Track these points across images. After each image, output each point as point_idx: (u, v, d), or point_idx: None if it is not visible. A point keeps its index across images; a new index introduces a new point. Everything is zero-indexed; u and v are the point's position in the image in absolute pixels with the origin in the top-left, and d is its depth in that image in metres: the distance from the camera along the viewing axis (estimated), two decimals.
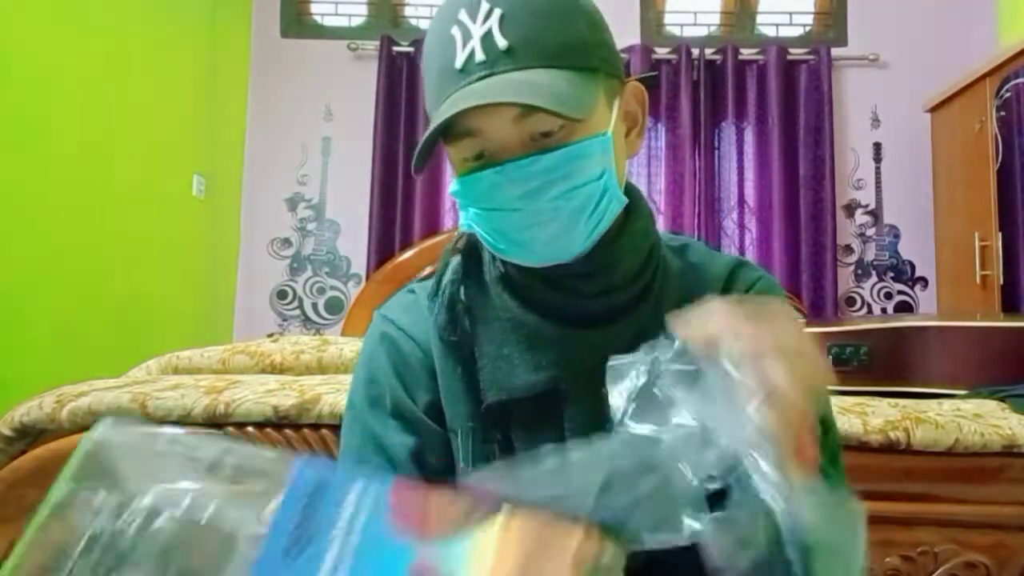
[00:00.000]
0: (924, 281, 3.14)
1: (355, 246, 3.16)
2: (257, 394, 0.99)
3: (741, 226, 3.14)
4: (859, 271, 3.17)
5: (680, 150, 3.09)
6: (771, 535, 0.37)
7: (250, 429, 0.97)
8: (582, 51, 0.59)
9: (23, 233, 1.93)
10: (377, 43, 3.14)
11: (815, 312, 2.99)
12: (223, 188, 3.03)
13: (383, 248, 3.06)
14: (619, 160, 0.62)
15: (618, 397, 0.43)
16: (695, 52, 3.12)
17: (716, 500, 0.40)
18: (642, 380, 0.42)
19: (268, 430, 0.97)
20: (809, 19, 3.32)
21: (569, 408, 0.63)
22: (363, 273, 3.09)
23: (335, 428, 0.96)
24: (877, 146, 3.19)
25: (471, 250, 0.69)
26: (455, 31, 0.58)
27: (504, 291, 0.65)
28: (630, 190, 0.66)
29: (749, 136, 3.15)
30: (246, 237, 3.21)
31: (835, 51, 3.15)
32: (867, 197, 3.19)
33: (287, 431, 0.97)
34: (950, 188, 2.88)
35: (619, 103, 0.63)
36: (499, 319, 0.65)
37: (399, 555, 0.36)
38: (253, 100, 3.24)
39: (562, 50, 0.58)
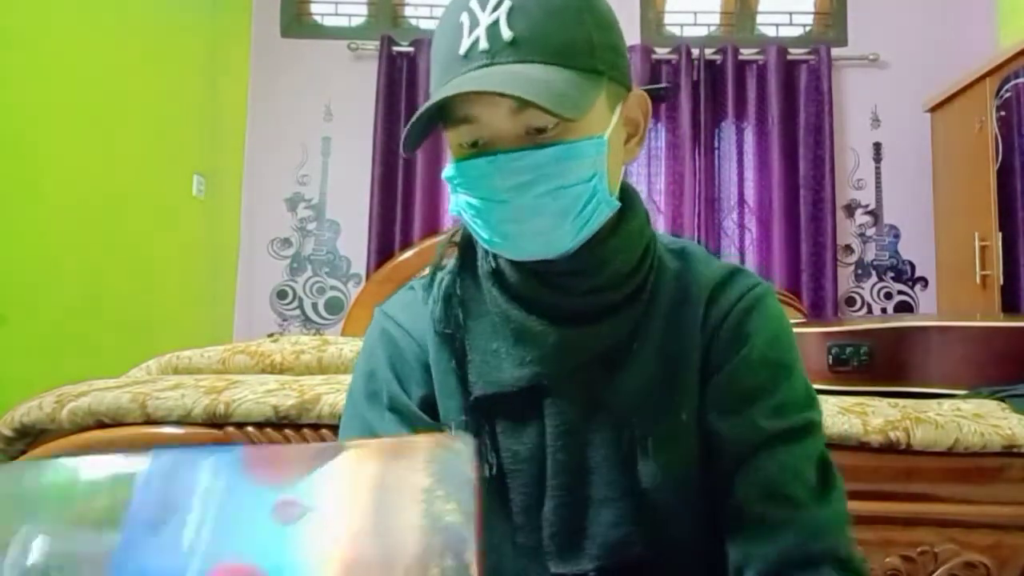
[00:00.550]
0: (924, 281, 3.14)
1: (355, 246, 3.16)
2: (257, 394, 0.99)
3: (741, 226, 3.14)
4: (859, 271, 3.17)
5: (680, 150, 3.09)
6: None
7: (250, 429, 0.97)
8: (587, 52, 0.59)
9: (23, 233, 1.93)
10: (377, 43, 3.14)
11: (815, 312, 2.99)
12: (223, 188, 3.03)
13: (383, 248, 3.06)
14: (613, 164, 0.62)
15: None
16: (695, 52, 3.12)
17: None
18: None
19: (268, 430, 0.97)
20: (809, 19, 3.32)
21: (551, 404, 0.64)
22: (363, 273, 3.09)
23: (335, 428, 0.96)
24: (877, 146, 3.19)
25: (467, 244, 0.70)
26: (464, 17, 0.58)
27: (494, 286, 0.66)
28: (626, 192, 0.66)
29: (749, 136, 3.15)
30: (246, 237, 3.21)
31: (835, 51, 3.16)
32: (867, 197, 3.19)
33: (287, 431, 0.97)
34: (950, 188, 2.88)
35: (621, 108, 0.63)
36: (490, 313, 0.66)
37: (261, 500, 0.37)
38: (253, 100, 3.24)
39: (566, 48, 0.58)
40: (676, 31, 3.32)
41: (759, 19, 3.33)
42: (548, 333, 0.63)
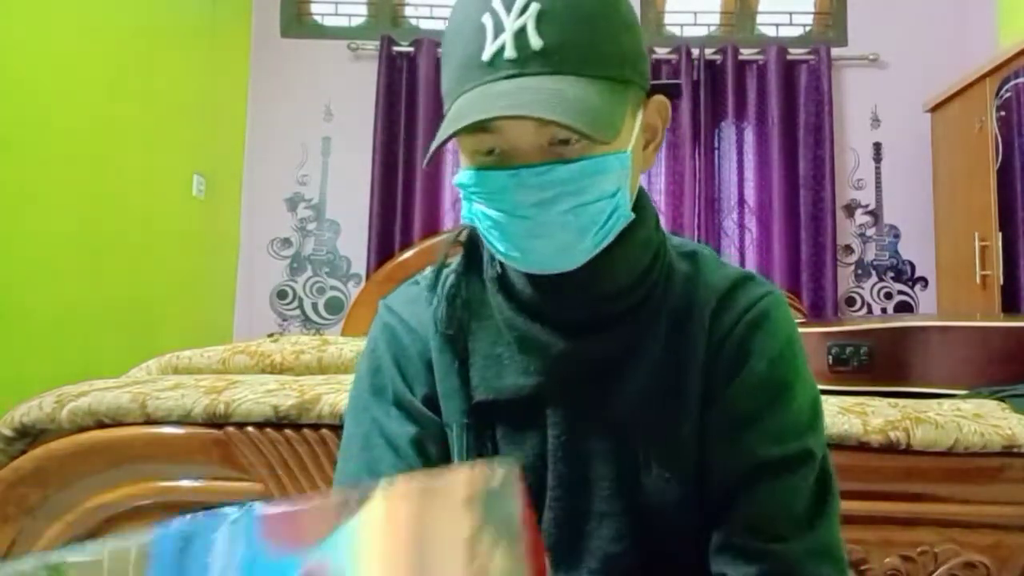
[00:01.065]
0: (924, 281, 3.14)
1: (355, 246, 3.16)
2: (257, 394, 0.99)
3: (741, 226, 3.14)
4: (859, 271, 3.17)
5: (680, 150, 3.09)
6: None
7: (250, 429, 0.97)
8: (618, 62, 0.56)
9: (23, 233, 1.93)
10: (377, 43, 3.14)
11: (815, 312, 2.99)
12: (223, 188, 3.03)
13: (383, 248, 3.06)
14: (634, 175, 0.60)
15: None
16: (695, 52, 3.12)
17: None
18: None
19: (268, 430, 0.97)
20: (809, 19, 3.32)
21: (553, 414, 0.63)
22: (363, 273, 3.09)
23: (335, 428, 0.96)
24: (877, 146, 3.19)
25: (473, 245, 0.69)
26: (487, 19, 0.54)
27: (499, 291, 0.65)
28: (638, 197, 0.64)
29: (749, 136, 3.15)
30: (246, 237, 3.21)
31: (835, 51, 3.16)
32: (867, 197, 3.19)
33: (287, 431, 0.97)
34: (950, 188, 2.88)
35: (642, 115, 0.61)
36: (493, 317, 0.65)
37: (285, 571, 0.35)
38: (253, 100, 3.24)
39: (598, 59, 0.55)
40: (676, 31, 3.32)
41: (759, 19, 3.33)
42: (552, 343, 0.62)
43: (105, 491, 0.96)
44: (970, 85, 2.64)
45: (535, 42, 0.53)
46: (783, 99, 3.09)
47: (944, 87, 2.83)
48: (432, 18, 3.33)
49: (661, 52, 3.14)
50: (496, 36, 0.54)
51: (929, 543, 0.97)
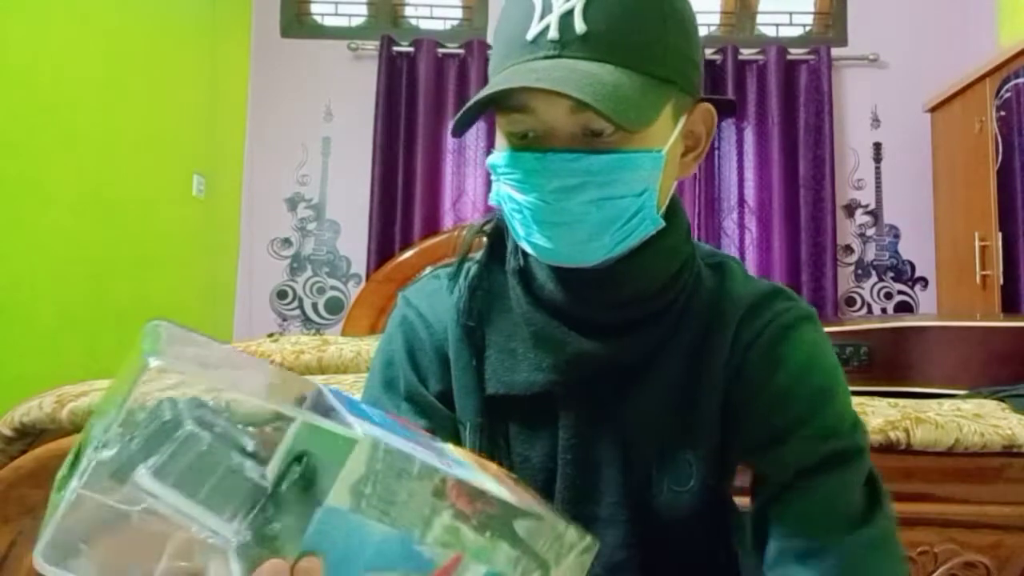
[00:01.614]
0: (924, 281, 3.14)
1: (355, 246, 3.16)
2: None
3: (741, 226, 3.14)
4: (859, 271, 3.17)
5: None
6: None
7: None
8: (661, 58, 0.56)
9: (23, 233, 1.93)
10: (377, 43, 3.14)
11: None
12: (223, 188, 3.03)
13: (383, 248, 3.05)
14: (666, 179, 0.59)
15: None
16: None
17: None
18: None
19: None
20: (809, 19, 3.32)
21: (564, 413, 0.62)
22: (363, 273, 3.09)
23: None
24: (877, 146, 3.19)
25: (497, 236, 0.68)
26: (537, 0, 0.55)
27: (519, 284, 0.64)
28: (670, 204, 0.63)
29: (749, 136, 3.15)
30: (246, 237, 3.21)
31: (835, 51, 3.15)
32: (867, 197, 3.19)
33: None
34: (950, 188, 2.88)
35: (684, 121, 0.60)
36: (512, 311, 0.64)
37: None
38: (253, 100, 3.24)
39: (640, 51, 0.55)
40: None
41: (759, 19, 3.33)
42: (568, 341, 0.61)
43: None
44: (970, 85, 2.64)
45: (579, 26, 0.53)
46: (783, 99, 3.09)
47: (944, 87, 2.83)
48: (432, 18, 3.33)
49: None
50: (543, 16, 0.54)
51: (929, 543, 0.97)
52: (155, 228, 2.54)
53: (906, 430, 0.96)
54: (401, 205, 3.09)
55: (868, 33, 3.19)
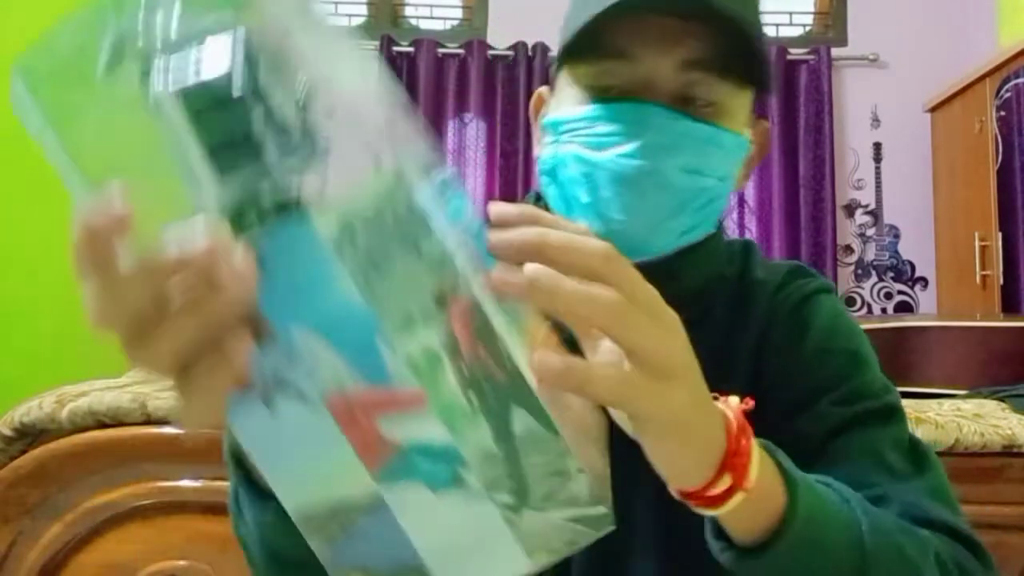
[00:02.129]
0: (924, 281, 3.14)
1: None
2: None
3: (741, 226, 3.14)
4: (859, 271, 3.17)
5: None
6: None
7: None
8: (761, 56, 0.53)
9: (23, 233, 1.93)
10: (377, 43, 3.14)
11: None
12: None
13: None
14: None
15: None
16: None
17: None
18: None
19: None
20: (809, 19, 3.32)
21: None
22: None
23: None
24: (877, 146, 3.19)
25: None
26: None
27: None
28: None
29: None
30: None
31: (835, 51, 3.15)
32: (867, 197, 3.19)
33: None
34: (950, 188, 2.88)
35: (751, 133, 0.58)
36: None
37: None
38: None
39: (752, 35, 0.51)
40: None
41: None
42: None
43: (105, 491, 0.96)
44: (970, 85, 2.64)
45: None
46: (783, 99, 3.09)
47: (944, 87, 2.83)
48: (432, 18, 3.33)
49: None
50: None
51: None
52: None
53: None
54: None
55: (868, 33, 3.19)
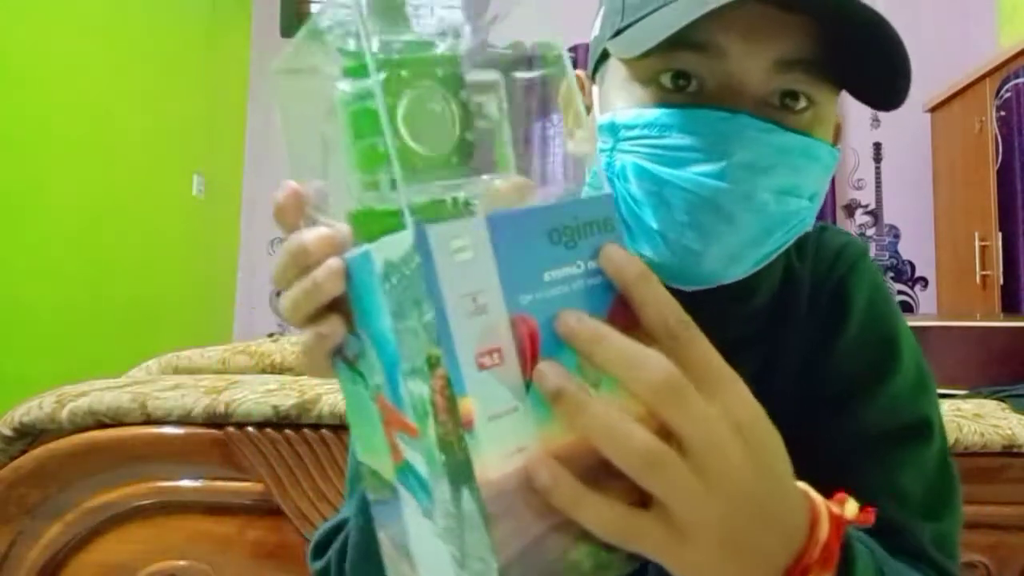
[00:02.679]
0: (924, 281, 3.14)
1: None
2: (257, 394, 0.99)
3: None
4: None
5: None
6: None
7: (250, 429, 0.97)
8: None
9: (23, 233, 1.93)
10: None
11: None
12: (223, 188, 3.03)
13: None
14: None
15: None
16: None
17: None
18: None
19: (268, 430, 0.97)
20: None
21: None
22: None
23: (335, 428, 0.96)
24: (877, 146, 3.19)
25: None
26: None
27: None
28: None
29: None
30: (246, 237, 3.21)
31: None
32: (867, 197, 3.19)
33: (287, 431, 0.97)
34: (950, 188, 2.88)
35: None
36: None
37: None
38: (253, 100, 3.24)
39: None
40: None
41: None
42: None
43: (105, 491, 0.96)
44: (970, 85, 2.64)
45: None
46: None
47: (944, 87, 2.83)
48: None
49: None
50: None
51: None
52: (155, 228, 2.54)
53: None
54: None
55: None
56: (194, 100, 2.81)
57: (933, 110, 2.96)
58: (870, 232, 3.18)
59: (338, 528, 0.53)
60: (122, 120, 2.35)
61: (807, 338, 0.53)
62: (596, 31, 0.51)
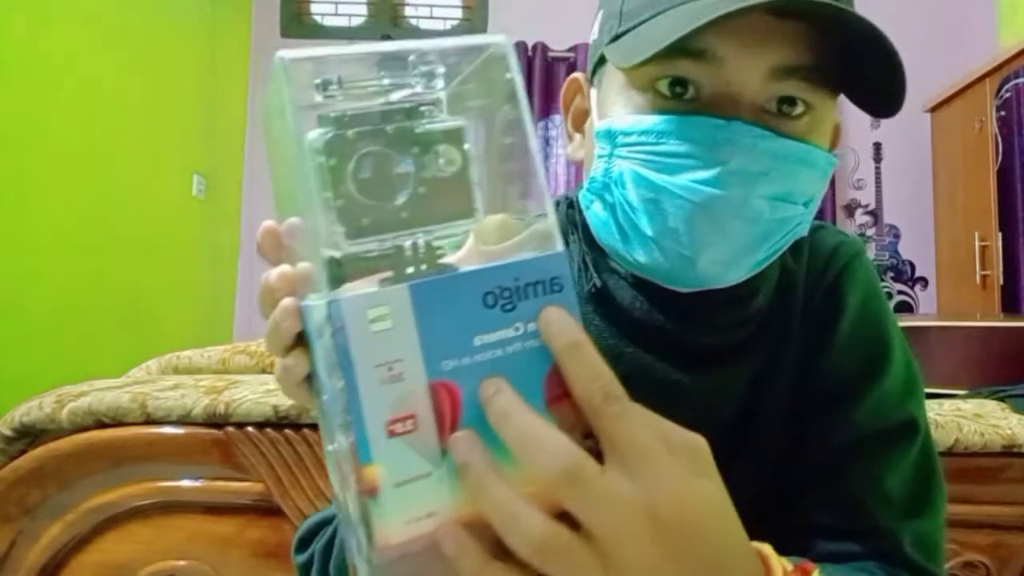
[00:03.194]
0: (924, 281, 3.14)
1: None
2: (257, 394, 0.99)
3: None
4: None
5: None
6: None
7: (250, 429, 0.97)
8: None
9: (23, 233, 1.93)
10: None
11: None
12: (223, 188, 3.03)
13: None
14: None
15: None
16: None
17: None
18: None
19: (268, 430, 0.97)
20: None
21: None
22: None
23: None
24: (877, 146, 3.19)
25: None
26: None
27: (596, 312, 0.51)
28: None
29: None
30: (246, 237, 3.21)
31: None
32: (867, 197, 3.19)
33: (287, 431, 0.97)
34: (950, 188, 2.88)
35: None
36: None
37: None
38: (253, 100, 3.24)
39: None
40: None
41: None
42: (671, 379, 0.49)
43: (105, 491, 0.96)
44: (970, 85, 2.65)
45: None
46: None
47: (944, 87, 2.83)
48: (432, 18, 3.33)
49: None
50: None
51: None
52: (155, 228, 2.54)
53: None
54: None
55: None
56: (194, 100, 2.81)
57: (933, 110, 2.96)
58: (870, 232, 3.18)
59: (324, 523, 0.53)
60: (122, 120, 2.35)
61: (803, 338, 0.54)
62: (595, 35, 0.51)
